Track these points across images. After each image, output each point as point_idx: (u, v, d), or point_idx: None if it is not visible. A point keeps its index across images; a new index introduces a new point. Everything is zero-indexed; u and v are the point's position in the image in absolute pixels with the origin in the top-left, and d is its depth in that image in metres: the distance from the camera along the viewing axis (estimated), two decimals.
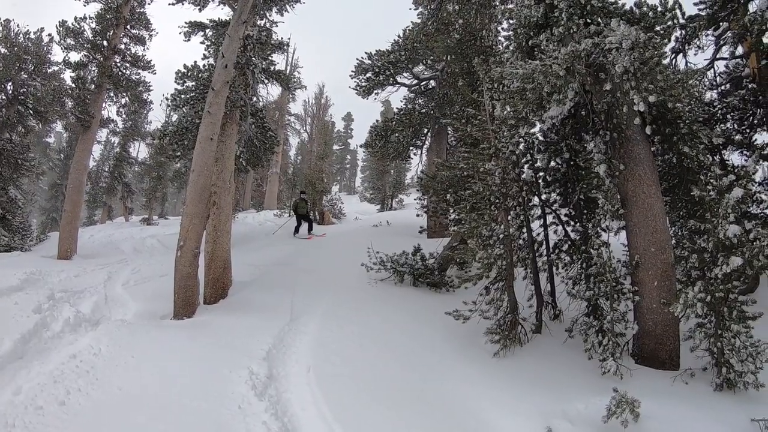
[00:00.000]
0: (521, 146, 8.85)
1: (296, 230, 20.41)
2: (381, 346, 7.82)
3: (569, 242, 8.71)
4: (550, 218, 9.07)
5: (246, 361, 7.05)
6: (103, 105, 21.71)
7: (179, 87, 14.81)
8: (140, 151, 47.77)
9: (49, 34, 21.53)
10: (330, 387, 6.35)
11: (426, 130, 20.16)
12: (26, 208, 22.87)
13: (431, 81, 20.03)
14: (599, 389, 6.12)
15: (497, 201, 8.20)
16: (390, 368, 7.07)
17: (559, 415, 5.75)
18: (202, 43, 14.66)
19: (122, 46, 21.70)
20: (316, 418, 5.68)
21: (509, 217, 8.46)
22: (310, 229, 20.54)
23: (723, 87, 10.85)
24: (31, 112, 21.13)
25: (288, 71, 32.36)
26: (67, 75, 21.57)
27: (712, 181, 6.88)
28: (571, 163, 8.59)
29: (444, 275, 11.35)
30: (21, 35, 20.83)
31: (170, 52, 28.08)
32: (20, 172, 21.25)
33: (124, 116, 26.07)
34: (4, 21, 20.62)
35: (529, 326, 8.24)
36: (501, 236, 8.04)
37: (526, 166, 9.08)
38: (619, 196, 7.53)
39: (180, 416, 5.44)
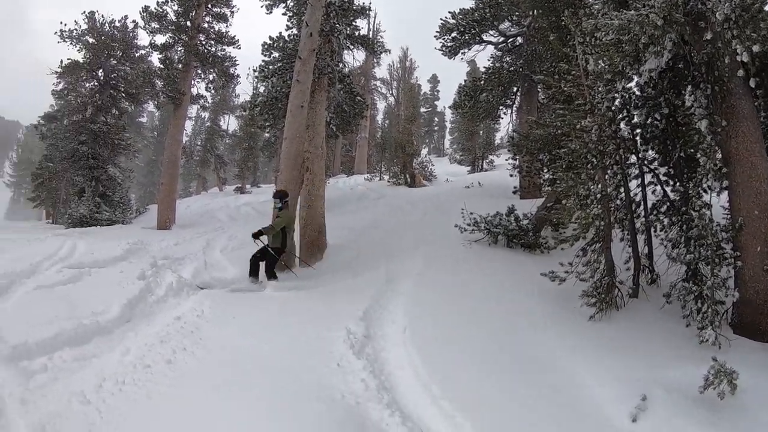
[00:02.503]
0: (617, 102, 8.49)
1: (252, 269, 9.84)
2: (475, 306, 7.82)
3: (668, 203, 8.33)
4: (648, 177, 8.68)
5: (343, 321, 7.20)
6: (192, 82, 22.87)
7: (266, 58, 15.39)
8: (230, 123, 49.33)
9: (134, 21, 22.90)
10: (425, 347, 6.41)
11: (515, 89, 19.71)
12: (125, 184, 24.64)
13: (518, 38, 19.46)
14: (696, 358, 5.89)
15: (594, 159, 7.94)
16: (483, 329, 7.05)
17: (653, 382, 5.56)
18: (284, 14, 15.05)
19: (205, 25, 22.67)
20: (412, 378, 5.76)
21: (606, 176, 8.19)
22: (269, 273, 9.92)
23: None
24: (123, 94, 22.77)
25: (371, 36, 32.33)
26: (155, 57, 22.70)
27: None
28: (670, 119, 8.14)
29: (538, 236, 11.19)
30: (106, 24, 22.32)
31: (254, 26, 28.74)
32: (117, 152, 23.38)
33: (212, 91, 27.25)
34: (88, 13, 21.89)
35: (625, 290, 8.01)
36: (598, 196, 7.77)
37: (622, 123, 8.69)
38: (720, 155, 7.10)
39: (282, 373, 5.63)
